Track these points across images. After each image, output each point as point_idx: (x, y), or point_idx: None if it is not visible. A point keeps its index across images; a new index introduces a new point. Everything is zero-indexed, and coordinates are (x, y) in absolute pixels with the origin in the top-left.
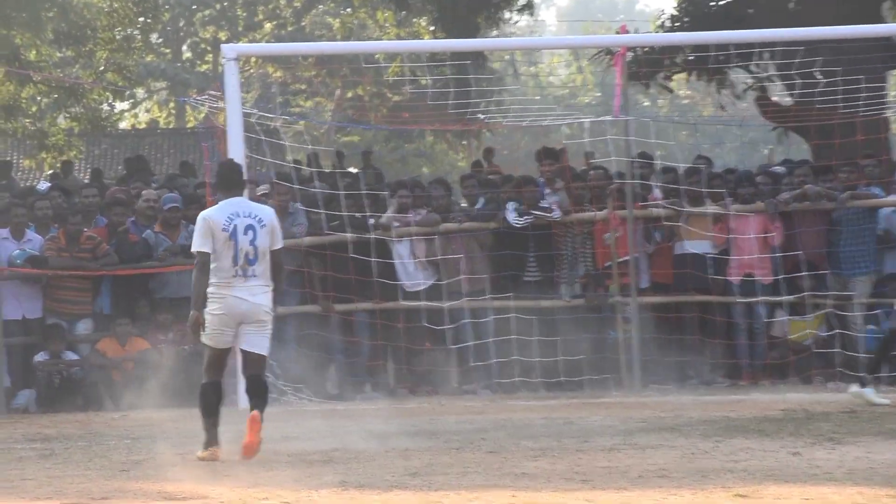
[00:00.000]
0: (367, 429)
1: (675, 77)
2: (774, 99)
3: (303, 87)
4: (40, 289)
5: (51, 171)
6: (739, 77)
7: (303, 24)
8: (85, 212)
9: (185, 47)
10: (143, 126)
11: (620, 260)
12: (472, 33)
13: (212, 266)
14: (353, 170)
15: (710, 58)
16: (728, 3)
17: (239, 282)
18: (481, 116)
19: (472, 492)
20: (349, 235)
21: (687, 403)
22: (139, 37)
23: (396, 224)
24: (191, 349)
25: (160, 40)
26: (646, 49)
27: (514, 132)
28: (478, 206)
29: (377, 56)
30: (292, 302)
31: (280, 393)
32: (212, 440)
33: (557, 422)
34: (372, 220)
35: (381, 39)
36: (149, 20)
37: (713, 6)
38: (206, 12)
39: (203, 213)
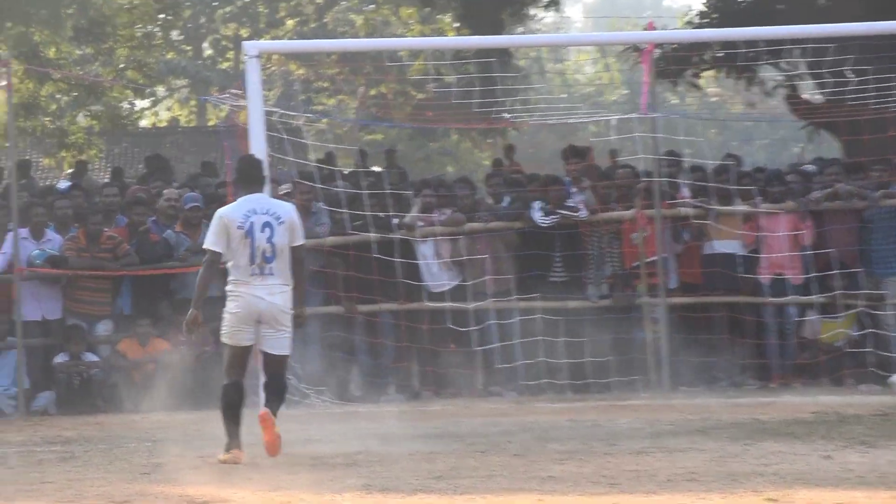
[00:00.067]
0: (391, 431)
1: (703, 74)
2: (805, 96)
3: (325, 84)
4: (60, 289)
5: (70, 170)
6: (769, 74)
7: (325, 20)
8: (105, 211)
9: (206, 44)
10: (163, 124)
11: (648, 260)
12: (498, 30)
13: (229, 264)
14: (376, 168)
15: (739, 54)
16: None
17: (256, 280)
18: (507, 115)
19: (498, 496)
20: (373, 235)
21: (716, 406)
22: (160, 34)
23: (421, 224)
24: (212, 350)
25: (181, 37)
26: (674, 46)
27: (539, 130)
28: (503, 204)
29: (401, 53)
30: (315, 303)
31: (302, 395)
32: (234, 442)
33: (584, 424)
34: (396, 220)
35: (404, 36)
36: (169, 17)
37: (742, 2)
38: (228, 9)
39: (220, 211)
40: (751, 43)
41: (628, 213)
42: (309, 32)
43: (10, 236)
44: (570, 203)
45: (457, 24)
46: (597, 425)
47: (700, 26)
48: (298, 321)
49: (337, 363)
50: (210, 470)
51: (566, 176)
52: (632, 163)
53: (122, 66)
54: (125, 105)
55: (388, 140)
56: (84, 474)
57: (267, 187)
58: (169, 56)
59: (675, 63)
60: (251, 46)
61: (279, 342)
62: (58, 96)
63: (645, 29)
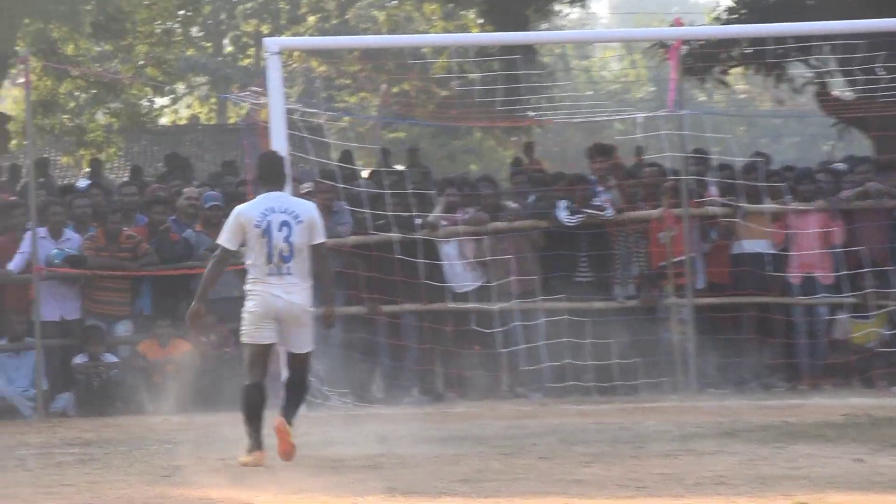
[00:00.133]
0: (415, 434)
1: (731, 71)
2: (835, 93)
3: (347, 82)
4: (79, 289)
5: (88, 169)
6: (798, 71)
7: (347, 17)
8: (124, 210)
9: (226, 41)
10: (183, 122)
11: (675, 260)
12: (522, 26)
13: (248, 263)
14: (399, 167)
15: (767, 51)
16: None
17: (274, 279)
18: (531, 113)
19: (524, 499)
20: (395, 235)
21: (745, 408)
22: (179, 30)
23: (444, 223)
24: (233, 351)
25: (201, 34)
26: (701, 42)
27: (564, 128)
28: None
29: (424, 50)
30: (337, 303)
31: (324, 397)
32: (255, 444)
33: (611, 427)
34: (419, 220)
35: (427, 33)
36: (189, 13)
37: None
38: (248, 5)
39: (238, 208)
40: (780, 39)
41: (655, 213)
42: (331, 29)
43: (28, 235)
44: (595, 202)
45: (481, 21)
46: (623, 428)
47: (728, 22)
48: (328, 321)
49: (359, 365)
50: (231, 472)
51: (592, 174)
52: (659, 161)
53: (141, 62)
54: (144, 102)
55: (410, 138)
56: (103, 476)
57: (288, 186)
58: (189, 53)
59: (703, 60)
60: (272, 43)
61: (300, 340)
62: (76, 93)
63: (672, 25)
